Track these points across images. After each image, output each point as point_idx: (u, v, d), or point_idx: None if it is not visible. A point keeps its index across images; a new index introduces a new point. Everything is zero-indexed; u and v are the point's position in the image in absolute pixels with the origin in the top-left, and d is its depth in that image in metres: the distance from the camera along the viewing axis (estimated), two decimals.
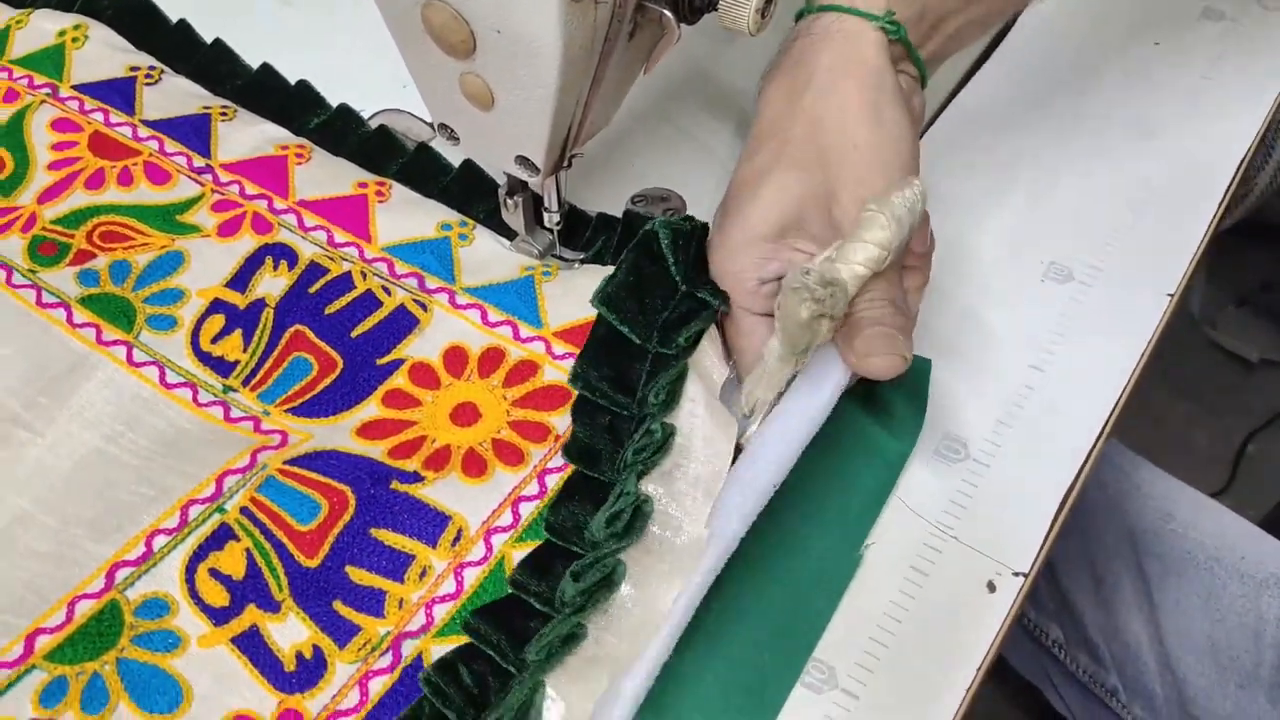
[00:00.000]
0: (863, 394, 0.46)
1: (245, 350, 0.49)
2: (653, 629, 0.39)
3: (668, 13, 0.41)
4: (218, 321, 0.50)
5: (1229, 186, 0.58)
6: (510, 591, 0.41)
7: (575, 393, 0.46)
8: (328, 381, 0.48)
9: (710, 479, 0.43)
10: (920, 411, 0.47)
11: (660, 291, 0.47)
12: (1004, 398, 0.49)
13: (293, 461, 0.44)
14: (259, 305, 0.50)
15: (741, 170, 0.47)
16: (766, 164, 0.45)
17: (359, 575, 0.42)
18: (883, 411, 0.47)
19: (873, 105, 0.44)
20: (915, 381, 0.47)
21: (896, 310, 0.43)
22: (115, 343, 0.49)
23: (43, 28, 0.60)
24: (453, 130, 0.47)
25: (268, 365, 0.48)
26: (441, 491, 0.44)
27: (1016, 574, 0.44)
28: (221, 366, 0.48)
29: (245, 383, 0.48)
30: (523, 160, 0.45)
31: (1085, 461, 0.47)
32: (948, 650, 0.42)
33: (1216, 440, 1.46)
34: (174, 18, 0.62)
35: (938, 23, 0.48)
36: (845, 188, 0.44)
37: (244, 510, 0.43)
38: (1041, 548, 0.45)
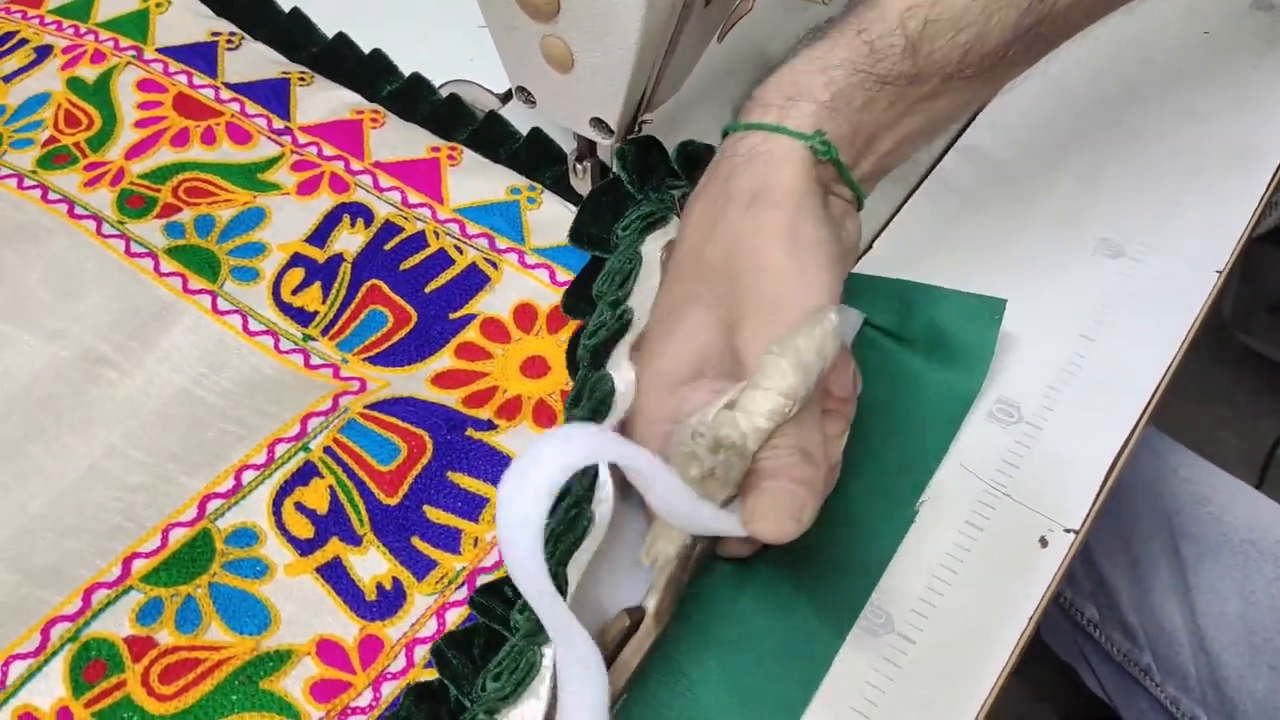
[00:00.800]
0: (925, 345, 0.48)
1: (324, 302, 0.51)
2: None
3: None
4: (298, 274, 0.52)
5: (1278, 168, 0.59)
6: None
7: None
8: (402, 334, 0.50)
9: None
10: (984, 359, 0.48)
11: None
12: (1056, 364, 0.50)
13: (373, 406, 0.46)
14: (337, 260, 0.52)
15: (659, 302, 0.44)
16: (680, 297, 0.41)
17: (436, 515, 0.44)
18: (944, 358, 0.48)
19: (790, 229, 0.39)
20: (981, 326, 0.48)
21: (805, 460, 0.37)
22: (200, 292, 0.51)
23: None
24: (530, 93, 0.49)
25: (345, 316, 0.50)
26: (514, 439, 0.46)
27: (1068, 530, 0.45)
28: (302, 316, 0.50)
29: (324, 332, 0.50)
30: (597, 122, 0.47)
31: (1134, 427, 0.49)
32: (1001, 600, 0.43)
33: (1247, 443, 1.46)
34: None
35: (871, 139, 0.43)
36: (750, 316, 0.39)
37: (327, 450, 0.45)
38: (1092, 507, 0.46)
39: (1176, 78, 0.64)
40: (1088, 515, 0.46)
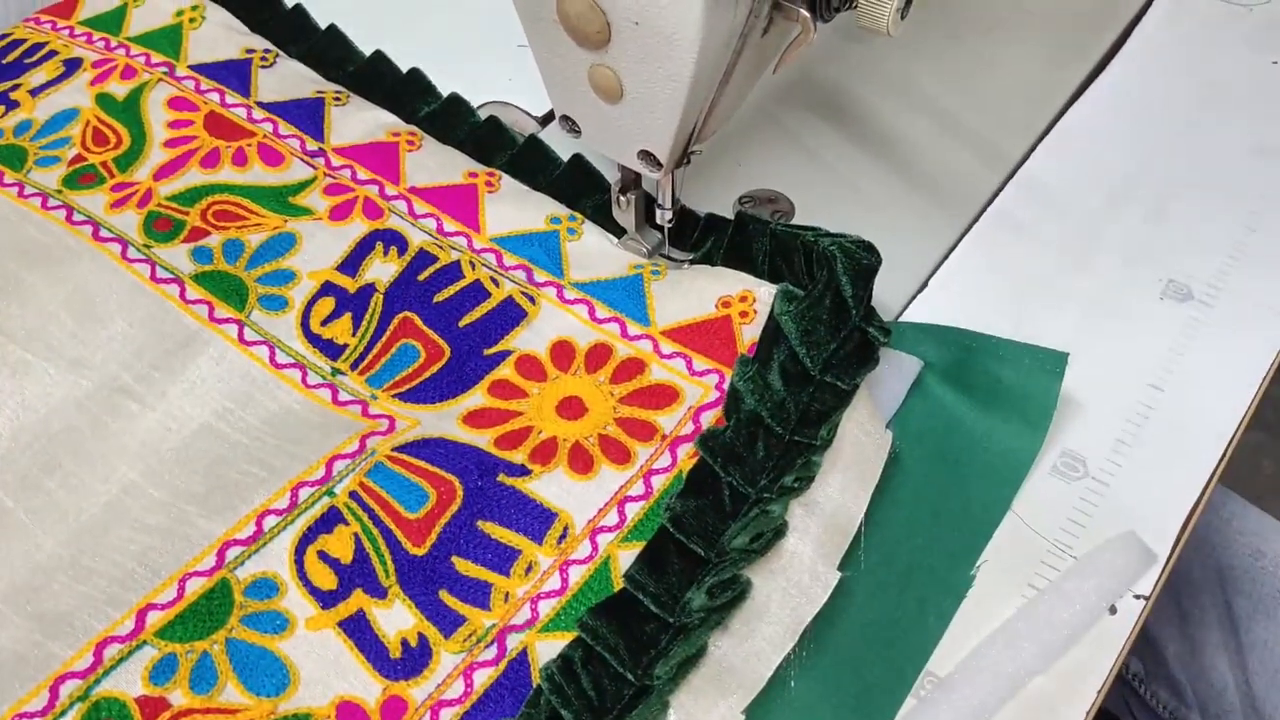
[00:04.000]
0: (984, 397, 0.45)
1: (354, 334, 0.49)
2: (776, 648, 0.39)
3: (805, 11, 0.41)
4: (328, 304, 0.50)
5: None
6: (621, 587, 0.40)
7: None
8: (435, 369, 0.48)
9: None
10: (1046, 416, 0.46)
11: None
12: (1124, 416, 0.48)
13: (402, 449, 0.44)
14: (369, 290, 0.50)
15: None
16: None
17: (465, 566, 0.41)
18: (1005, 414, 0.45)
19: None
20: (1043, 381, 0.46)
21: None
22: (227, 320, 0.49)
23: (161, 7, 0.61)
24: (574, 122, 0.46)
25: (376, 350, 0.48)
26: (548, 487, 0.44)
27: (1138, 597, 0.43)
28: (331, 349, 0.48)
29: (354, 366, 0.48)
30: (645, 155, 0.45)
31: (1207, 484, 0.46)
32: (1066, 670, 0.41)
33: None
34: (289, 3, 0.63)
35: None
36: None
37: (353, 495, 0.43)
38: (1163, 571, 0.43)
39: (1242, 109, 0.61)
40: (1159, 579, 0.43)
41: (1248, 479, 1.41)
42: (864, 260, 0.45)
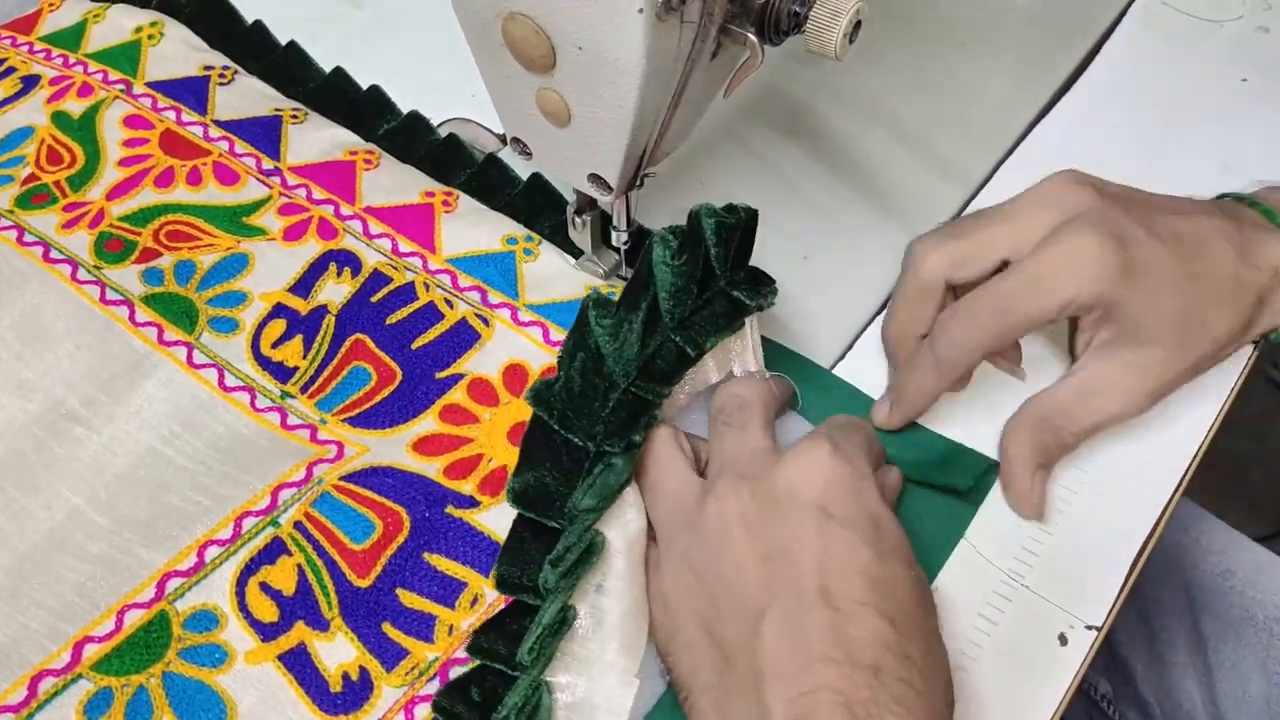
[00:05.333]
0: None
1: (305, 357, 0.48)
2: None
3: (753, 35, 0.40)
4: (279, 326, 0.49)
5: None
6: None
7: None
8: (386, 392, 0.47)
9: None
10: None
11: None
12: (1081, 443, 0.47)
13: (349, 478, 0.43)
14: (321, 312, 0.49)
15: None
16: None
17: (410, 599, 0.41)
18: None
19: None
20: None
21: None
22: (176, 343, 0.48)
23: (120, 24, 0.61)
24: (525, 145, 0.46)
25: (327, 373, 0.48)
26: (496, 518, 0.43)
27: (1090, 627, 0.42)
28: (281, 372, 0.48)
29: (304, 389, 0.47)
30: (595, 179, 0.44)
31: (1163, 512, 0.46)
32: (1015, 706, 0.40)
33: (1273, 479, 1.42)
34: (249, 19, 0.62)
35: None
36: None
37: (298, 525, 0.42)
38: (1116, 601, 0.43)
39: (1208, 128, 0.61)
40: (1110, 611, 0.43)
41: (1236, 490, 1.41)
42: (726, 220, 0.44)
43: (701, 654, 0.36)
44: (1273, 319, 0.47)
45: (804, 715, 0.32)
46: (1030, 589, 0.43)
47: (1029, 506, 0.44)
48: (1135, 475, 0.46)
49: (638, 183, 0.46)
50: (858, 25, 0.40)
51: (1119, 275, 0.42)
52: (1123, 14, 0.66)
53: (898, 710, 0.32)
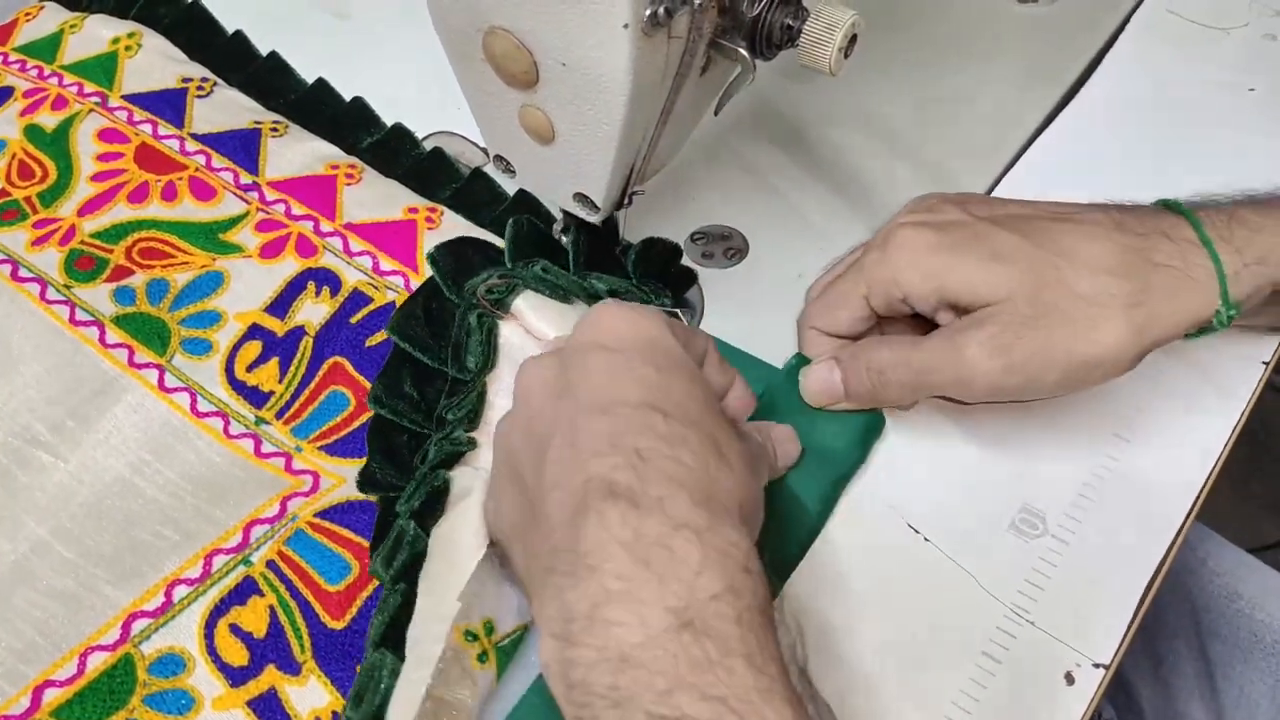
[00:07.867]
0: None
1: (281, 380, 0.46)
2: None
3: (744, 50, 0.38)
4: (254, 348, 0.47)
5: None
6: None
7: None
8: (363, 419, 0.45)
9: None
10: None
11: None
12: (1086, 468, 0.46)
13: (324, 514, 0.42)
14: (298, 333, 0.48)
15: None
16: None
17: None
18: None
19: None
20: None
21: None
22: (147, 365, 0.47)
23: (97, 34, 0.59)
24: (509, 163, 0.44)
25: (304, 397, 0.46)
26: None
27: (1097, 665, 0.40)
28: (255, 396, 0.46)
29: (279, 415, 0.45)
30: (582, 198, 0.43)
31: (1173, 543, 0.44)
32: None
33: (1276, 488, 1.40)
34: (230, 29, 0.61)
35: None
36: None
37: (270, 564, 0.40)
38: (1124, 638, 0.41)
39: (1212, 142, 0.59)
40: (1119, 648, 0.41)
41: (1238, 498, 1.39)
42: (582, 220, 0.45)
43: (511, 503, 0.37)
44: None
45: (576, 509, 0.32)
46: (1035, 625, 0.41)
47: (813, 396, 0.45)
48: (1143, 503, 0.45)
49: (626, 201, 0.44)
50: (853, 40, 0.39)
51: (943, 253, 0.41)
52: (1126, 22, 0.65)
53: (668, 486, 0.32)
